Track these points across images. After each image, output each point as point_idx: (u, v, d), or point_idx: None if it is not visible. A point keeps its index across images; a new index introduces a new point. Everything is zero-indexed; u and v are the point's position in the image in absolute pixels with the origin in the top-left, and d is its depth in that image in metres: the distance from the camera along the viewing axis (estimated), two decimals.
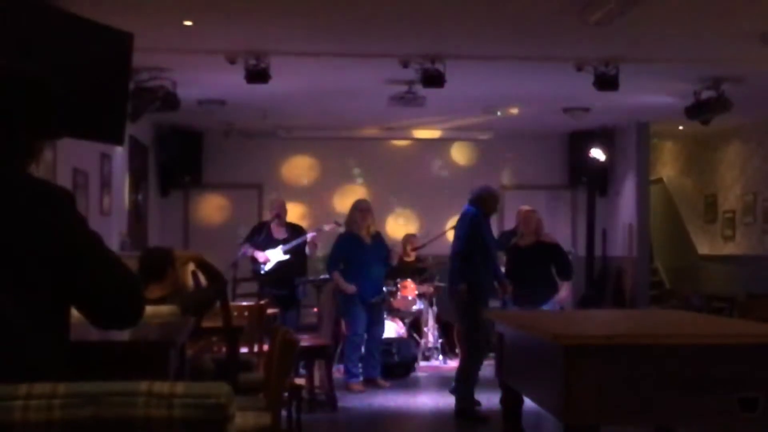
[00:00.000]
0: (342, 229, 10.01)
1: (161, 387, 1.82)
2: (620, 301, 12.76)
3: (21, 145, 2.35)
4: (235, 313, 6.42)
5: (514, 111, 11.65)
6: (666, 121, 12.31)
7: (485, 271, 7.95)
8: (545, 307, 8.47)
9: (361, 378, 9.36)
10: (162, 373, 2.96)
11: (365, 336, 9.40)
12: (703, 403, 4.08)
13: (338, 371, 9.47)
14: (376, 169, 13.63)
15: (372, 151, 13.60)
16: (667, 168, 15.51)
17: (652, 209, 13.68)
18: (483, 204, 8.12)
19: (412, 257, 11.46)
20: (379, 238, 9.69)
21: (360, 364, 9.44)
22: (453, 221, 11.70)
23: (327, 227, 10.50)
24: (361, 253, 9.36)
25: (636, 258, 12.74)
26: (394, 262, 10.31)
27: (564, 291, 8.81)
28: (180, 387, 1.83)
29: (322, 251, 10.89)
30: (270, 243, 10.12)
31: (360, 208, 9.54)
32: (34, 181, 2.35)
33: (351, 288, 9.26)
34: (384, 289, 9.93)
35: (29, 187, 2.30)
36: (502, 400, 5.66)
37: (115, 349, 3.07)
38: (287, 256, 10.06)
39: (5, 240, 2.19)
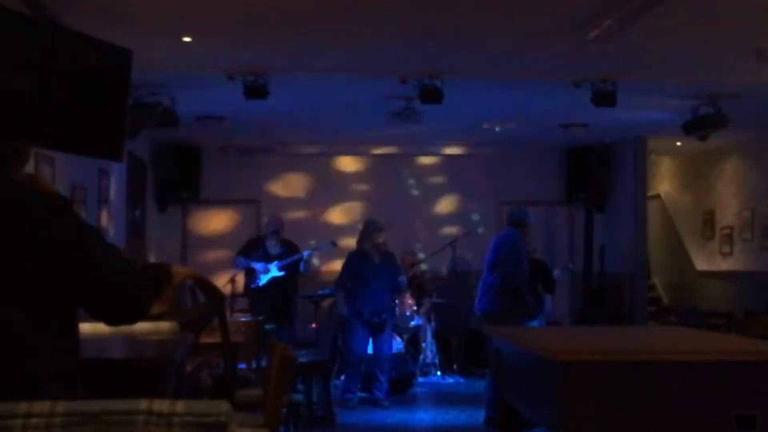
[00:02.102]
0: (329, 247, 10.10)
1: (161, 405, 1.82)
2: (618, 317, 12.74)
3: (5, 152, 2.35)
4: (233, 329, 6.42)
5: (512, 127, 11.67)
6: (664, 137, 12.33)
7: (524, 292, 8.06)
8: (535, 323, 8.57)
9: (358, 395, 9.32)
10: (161, 390, 2.96)
11: (363, 356, 9.37)
12: (701, 420, 4.08)
13: (336, 387, 9.45)
14: (373, 184, 13.63)
15: (370, 167, 13.61)
16: (664, 184, 15.53)
17: (650, 225, 13.69)
18: (524, 228, 8.19)
19: (410, 273, 11.45)
20: (389, 259, 9.59)
21: (358, 384, 9.41)
22: (451, 236, 11.77)
23: (323, 247, 10.50)
24: (369, 272, 9.26)
25: (634, 274, 12.74)
26: (404, 286, 10.31)
27: (549, 304, 9.04)
28: (180, 405, 1.82)
29: (319, 264, 10.90)
30: (265, 258, 10.12)
31: (377, 227, 9.43)
32: (27, 189, 2.36)
33: (343, 310, 9.27)
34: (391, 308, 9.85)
35: (24, 195, 2.31)
36: (500, 416, 5.66)
37: (114, 366, 3.07)
38: (282, 273, 10.06)
39: (6, 250, 2.20)
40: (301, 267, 10.22)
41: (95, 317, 2.40)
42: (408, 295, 10.90)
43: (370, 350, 9.42)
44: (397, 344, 10.32)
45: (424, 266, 11.84)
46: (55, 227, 2.26)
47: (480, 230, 12.61)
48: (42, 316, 2.23)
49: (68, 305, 2.32)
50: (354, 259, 9.41)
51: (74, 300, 2.32)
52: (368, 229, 9.48)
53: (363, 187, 13.66)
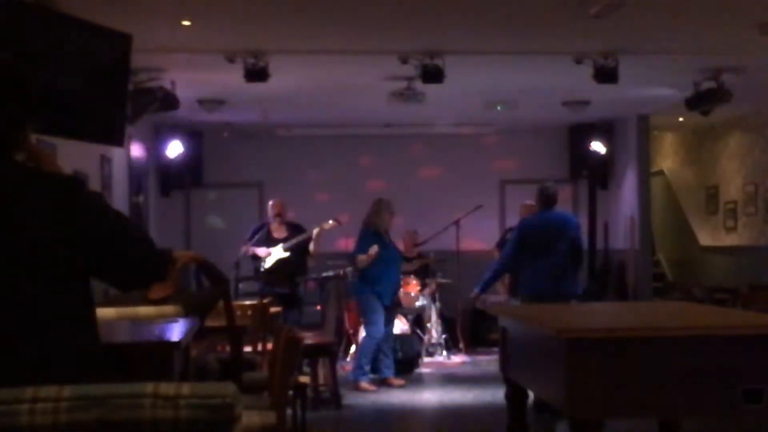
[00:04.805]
0: (332, 224, 10.10)
1: (167, 388, 1.82)
2: (623, 294, 12.76)
3: (12, 138, 2.35)
4: (239, 313, 6.43)
5: (514, 105, 11.64)
6: (666, 113, 12.30)
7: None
8: None
9: (370, 376, 9.26)
10: (167, 374, 2.96)
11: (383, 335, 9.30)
12: (707, 395, 4.08)
13: (341, 368, 9.45)
14: (376, 166, 13.62)
15: (372, 148, 13.59)
16: (668, 160, 15.51)
17: (654, 201, 13.67)
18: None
19: (413, 253, 11.45)
20: (391, 239, 9.58)
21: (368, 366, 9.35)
22: (454, 216, 11.74)
23: (327, 225, 10.47)
24: (385, 253, 9.17)
25: (638, 250, 12.74)
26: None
27: None
28: (186, 388, 1.83)
29: (323, 249, 10.88)
30: (270, 243, 10.11)
31: (389, 209, 9.32)
32: (41, 173, 2.37)
33: (374, 249, 9.03)
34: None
35: (39, 179, 2.32)
36: (507, 395, 5.66)
37: (120, 349, 3.08)
38: (287, 254, 10.04)
39: (27, 235, 2.20)
40: (310, 247, 10.15)
41: (110, 284, 2.47)
42: (412, 276, 10.91)
43: None
44: (401, 325, 10.33)
45: (428, 246, 11.80)
46: (73, 208, 2.28)
47: (482, 210, 12.53)
48: (66, 295, 2.26)
49: (88, 283, 2.34)
50: (371, 238, 9.19)
51: (92, 272, 2.35)
52: (381, 209, 9.33)
53: (365, 168, 13.64)
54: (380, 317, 9.11)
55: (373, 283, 9.13)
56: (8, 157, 2.32)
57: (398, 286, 9.49)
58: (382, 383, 9.25)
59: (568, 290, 7.79)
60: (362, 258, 9.10)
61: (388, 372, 9.33)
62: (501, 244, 11.07)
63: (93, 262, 2.31)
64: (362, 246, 9.22)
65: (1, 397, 1.79)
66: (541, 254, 7.76)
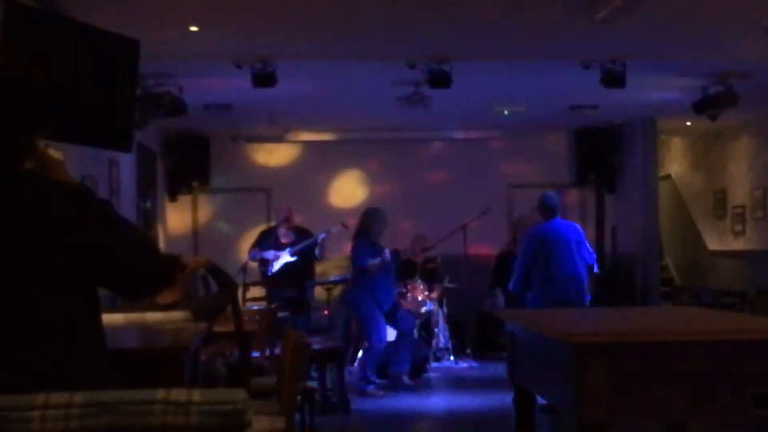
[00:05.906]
0: (339, 229, 10.10)
1: (178, 394, 1.82)
2: (631, 298, 12.73)
3: (22, 145, 2.35)
4: (247, 318, 6.44)
5: (521, 109, 11.64)
6: (674, 117, 12.29)
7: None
8: None
9: (377, 381, 9.26)
10: (176, 379, 2.97)
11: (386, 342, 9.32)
12: (715, 399, 4.07)
13: (349, 373, 9.44)
14: (382, 170, 13.62)
15: (379, 153, 13.59)
16: (675, 164, 15.48)
17: (661, 205, 13.66)
18: None
19: (421, 258, 11.42)
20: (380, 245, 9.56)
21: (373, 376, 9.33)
22: (462, 221, 11.73)
23: (334, 230, 10.48)
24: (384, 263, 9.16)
25: (646, 255, 12.72)
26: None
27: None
28: (197, 394, 1.83)
29: (330, 253, 10.89)
30: (278, 248, 10.12)
31: (384, 219, 9.31)
32: (50, 182, 2.37)
33: (386, 257, 9.07)
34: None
35: (49, 188, 2.32)
36: (515, 399, 5.66)
37: (129, 355, 3.08)
38: (294, 258, 10.04)
39: (37, 243, 2.21)
40: (317, 252, 10.15)
41: (119, 294, 2.48)
42: (419, 281, 10.89)
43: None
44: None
45: (435, 250, 11.78)
46: (81, 217, 2.28)
47: (490, 214, 12.52)
48: (74, 303, 2.26)
49: (95, 291, 2.35)
50: (369, 248, 9.18)
51: (100, 282, 2.36)
52: (376, 218, 9.32)
53: (372, 173, 13.65)
54: (382, 327, 9.13)
55: (371, 291, 9.13)
56: (17, 165, 2.32)
57: (394, 291, 9.55)
58: (393, 379, 9.25)
59: (586, 293, 8.09)
60: (374, 264, 9.07)
61: (406, 366, 9.37)
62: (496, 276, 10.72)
63: (101, 272, 2.31)
64: (361, 255, 9.17)
65: (12, 403, 1.79)
66: (562, 261, 7.92)
